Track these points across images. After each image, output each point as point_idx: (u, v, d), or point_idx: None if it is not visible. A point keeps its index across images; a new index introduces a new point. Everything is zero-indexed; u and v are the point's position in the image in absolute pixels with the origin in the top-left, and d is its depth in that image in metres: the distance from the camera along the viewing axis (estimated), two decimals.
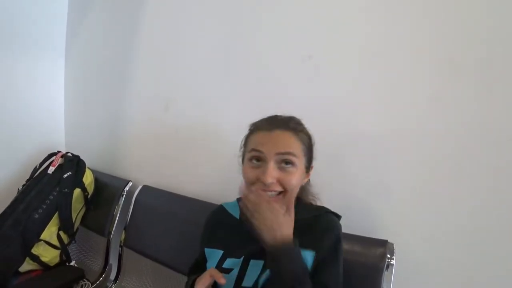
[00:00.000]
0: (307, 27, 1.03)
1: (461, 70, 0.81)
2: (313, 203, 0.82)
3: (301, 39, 1.04)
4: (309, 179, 0.80)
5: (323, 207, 0.78)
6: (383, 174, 0.91)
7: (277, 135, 0.70)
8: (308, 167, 0.76)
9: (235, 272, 0.71)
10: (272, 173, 0.67)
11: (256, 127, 0.76)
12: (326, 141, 0.97)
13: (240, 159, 0.80)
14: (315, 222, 0.72)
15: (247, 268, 0.71)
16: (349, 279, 0.74)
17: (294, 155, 0.69)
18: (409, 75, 0.87)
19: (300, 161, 0.71)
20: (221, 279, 0.64)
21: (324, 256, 0.67)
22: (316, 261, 0.66)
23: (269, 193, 0.68)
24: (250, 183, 0.70)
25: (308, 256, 0.67)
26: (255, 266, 0.70)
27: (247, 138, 0.78)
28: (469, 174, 0.80)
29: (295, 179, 0.69)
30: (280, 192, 0.69)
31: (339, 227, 0.73)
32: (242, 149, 0.80)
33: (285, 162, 0.68)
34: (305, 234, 0.69)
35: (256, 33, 1.14)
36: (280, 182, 0.68)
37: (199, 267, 0.81)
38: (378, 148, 0.91)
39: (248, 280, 0.70)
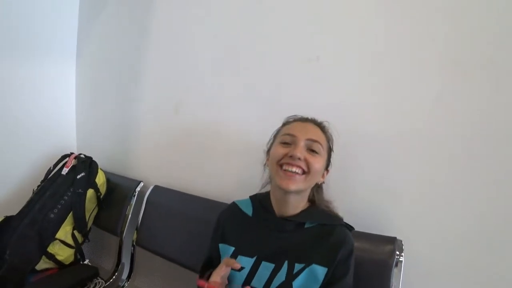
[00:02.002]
0: (315, 28, 1.05)
1: (466, 70, 0.82)
2: (327, 208, 0.84)
3: (309, 40, 1.06)
4: (324, 182, 0.83)
5: (337, 217, 0.81)
6: (391, 174, 0.92)
7: (309, 126, 0.79)
8: (327, 167, 0.81)
9: (245, 271, 0.74)
10: (302, 150, 0.73)
11: (290, 120, 0.84)
12: (335, 142, 0.99)
13: (266, 151, 0.86)
14: (329, 234, 0.74)
15: (257, 268, 0.74)
16: (359, 275, 0.76)
17: (321, 145, 0.75)
18: (416, 76, 0.89)
19: (324, 155, 0.77)
20: (236, 264, 0.70)
21: (336, 270, 0.71)
22: (327, 277, 0.70)
23: (295, 169, 0.72)
24: (278, 159, 0.74)
25: (320, 272, 0.70)
26: (266, 269, 0.73)
27: (279, 129, 0.84)
28: (477, 174, 0.81)
29: (319, 164, 0.74)
30: (303, 173, 0.73)
31: (352, 241, 0.75)
32: (271, 140, 0.85)
33: (312, 150, 0.74)
34: (318, 246, 0.73)
35: (265, 35, 1.16)
36: (306, 161, 0.72)
37: (212, 263, 0.83)
38: (386, 149, 0.93)
39: (257, 281, 0.73)
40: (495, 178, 0.79)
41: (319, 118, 0.84)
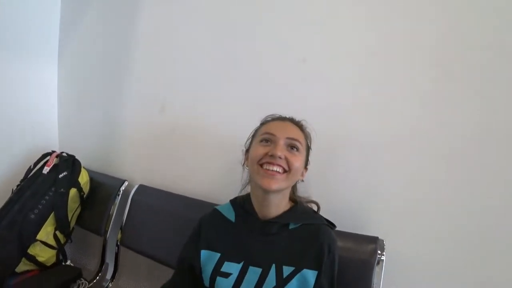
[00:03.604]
0: (302, 31, 1.06)
1: (453, 74, 0.84)
2: (304, 201, 0.87)
3: (296, 42, 1.07)
4: (303, 180, 0.83)
5: (320, 216, 0.82)
6: (375, 175, 0.94)
7: (288, 125, 0.80)
8: (306, 165, 0.82)
9: (233, 277, 0.73)
10: (282, 148, 0.73)
11: (269, 119, 0.84)
12: (320, 142, 1.00)
13: (244, 151, 0.86)
14: (315, 235, 0.76)
15: (245, 274, 0.73)
16: (342, 274, 0.77)
17: (300, 143, 0.76)
18: (402, 79, 0.90)
19: (303, 153, 0.78)
20: None
21: (323, 269, 0.72)
22: (318, 280, 0.71)
23: (275, 168, 0.72)
24: (258, 159, 0.74)
25: (311, 276, 0.71)
26: (254, 273, 0.73)
27: (258, 129, 0.84)
28: (458, 174, 0.83)
29: (299, 162, 0.75)
30: (284, 172, 0.73)
31: (335, 240, 0.77)
32: (250, 140, 0.85)
33: (291, 147, 0.75)
34: (306, 248, 0.74)
35: (252, 36, 1.16)
36: (287, 160, 0.73)
37: (188, 268, 0.81)
38: (370, 150, 0.94)
39: (245, 287, 0.72)
40: (478, 177, 0.82)
41: (307, 118, 0.85)
